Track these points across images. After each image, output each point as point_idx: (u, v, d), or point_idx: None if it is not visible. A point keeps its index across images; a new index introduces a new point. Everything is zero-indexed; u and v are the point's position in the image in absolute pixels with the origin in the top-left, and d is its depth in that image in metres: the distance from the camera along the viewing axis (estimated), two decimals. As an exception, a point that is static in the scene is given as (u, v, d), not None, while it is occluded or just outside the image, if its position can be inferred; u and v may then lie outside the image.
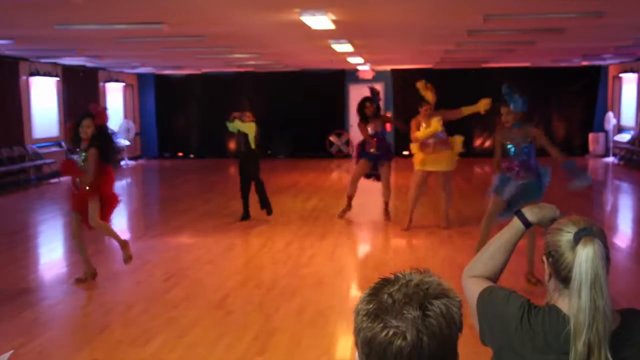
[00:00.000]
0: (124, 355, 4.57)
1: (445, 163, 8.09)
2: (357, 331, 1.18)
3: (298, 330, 4.90)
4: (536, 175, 5.91)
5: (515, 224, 1.84)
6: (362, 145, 8.99)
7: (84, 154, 5.89)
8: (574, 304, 1.54)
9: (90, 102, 6.19)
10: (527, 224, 1.82)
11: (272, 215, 9.20)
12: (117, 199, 6.22)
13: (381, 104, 9.19)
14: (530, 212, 1.82)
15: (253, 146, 8.95)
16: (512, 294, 1.72)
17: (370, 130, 8.79)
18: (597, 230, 1.60)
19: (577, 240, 1.57)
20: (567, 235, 1.61)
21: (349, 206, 9.19)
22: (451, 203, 8.55)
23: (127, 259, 6.13)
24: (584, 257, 1.53)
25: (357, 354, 1.21)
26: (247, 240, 8.19)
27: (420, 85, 8.04)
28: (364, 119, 8.79)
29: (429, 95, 7.94)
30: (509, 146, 5.96)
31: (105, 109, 6.20)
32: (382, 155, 8.83)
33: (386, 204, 9.07)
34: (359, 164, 9.05)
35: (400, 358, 1.12)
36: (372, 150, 8.82)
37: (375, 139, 8.76)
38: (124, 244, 6.16)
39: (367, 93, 9.01)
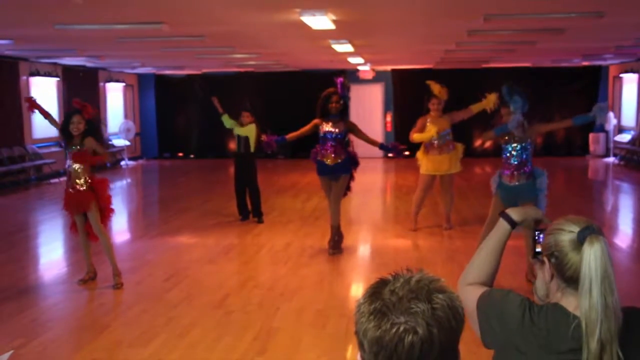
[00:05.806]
0: (124, 355, 4.58)
1: (450, 165, 8.08)
2: (363, 332, 1.15)
3: (298, 330, 4.90)
4: (531, 177, 5.91)
5: (501, 225, 1.91)
6: (316, 154, 7.12)
7: (74, 147, 5.91)
8: (584, 303, 1.53)
9: (86, 101, 6.18)
10: (512, 223, 1.89)
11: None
12: (112, 210, 6.24)
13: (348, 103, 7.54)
14: (515, 212, 1.91)
15: (253, 149, 8.89)
16: (510, 292, 1.73)
17: (325, 128, 6.93)
18: (597, 229, 1.61)
19: (582, 239, 1.58)
20: (569, 235, 1.61)
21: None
22: (453, 204, 8.53)
23: (118, 285, 6.06)
24: (593, 256, 1.53)
25: (359, 355, 1.19)
26: (247, 240, 8.18)
27: (431, 82, 7.98)
28: (323, 116, 6.95)
29: (437, 89, 7.88)
30: (507, 147, 5.94)
31: (86, 102, 6.21)
32: (339, 168, 6.97)
33: (334, 227, 7.18)
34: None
35: (412, 354, 1.11)
36: (325, 159, 6.96)
37: (329, 144, 6.91)
38: (117, 271, 6.12)
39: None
